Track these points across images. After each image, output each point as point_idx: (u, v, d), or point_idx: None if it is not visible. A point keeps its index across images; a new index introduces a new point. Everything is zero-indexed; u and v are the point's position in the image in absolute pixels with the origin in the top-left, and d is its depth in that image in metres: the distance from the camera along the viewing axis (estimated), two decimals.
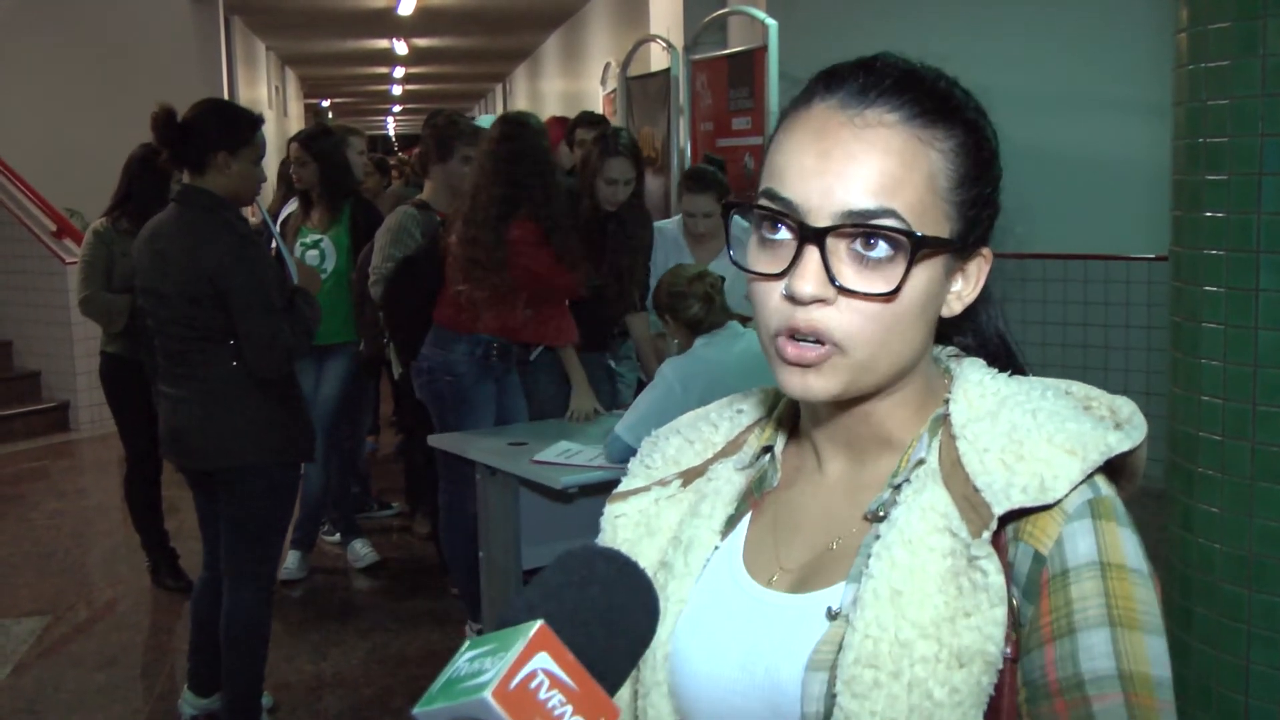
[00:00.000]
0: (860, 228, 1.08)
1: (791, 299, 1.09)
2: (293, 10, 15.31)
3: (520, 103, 23.06)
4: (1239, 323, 3.08)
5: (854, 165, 1.09)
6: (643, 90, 8.61)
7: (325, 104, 31.25)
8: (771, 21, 6.64)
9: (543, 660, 0.86)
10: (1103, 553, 1.08)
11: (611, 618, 0.95)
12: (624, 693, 1.28)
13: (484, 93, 30.18)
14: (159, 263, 3.91)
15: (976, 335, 1.29)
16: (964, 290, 1.19)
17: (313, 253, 5.87)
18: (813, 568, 1.20)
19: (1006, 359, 1.26)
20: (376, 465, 7.87)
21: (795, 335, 1.10)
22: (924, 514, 1.11)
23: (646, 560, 1.29)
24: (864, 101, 1.11)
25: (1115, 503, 1.12)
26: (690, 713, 1.22)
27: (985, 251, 1.19)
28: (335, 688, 4.83)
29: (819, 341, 1.10)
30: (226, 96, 12.22)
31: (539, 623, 0.88)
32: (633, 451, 4.39)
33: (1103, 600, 1.07)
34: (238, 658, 4.13)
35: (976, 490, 1.10)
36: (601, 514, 1.37)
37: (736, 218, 1.22)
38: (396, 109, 36.24)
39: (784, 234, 1.11)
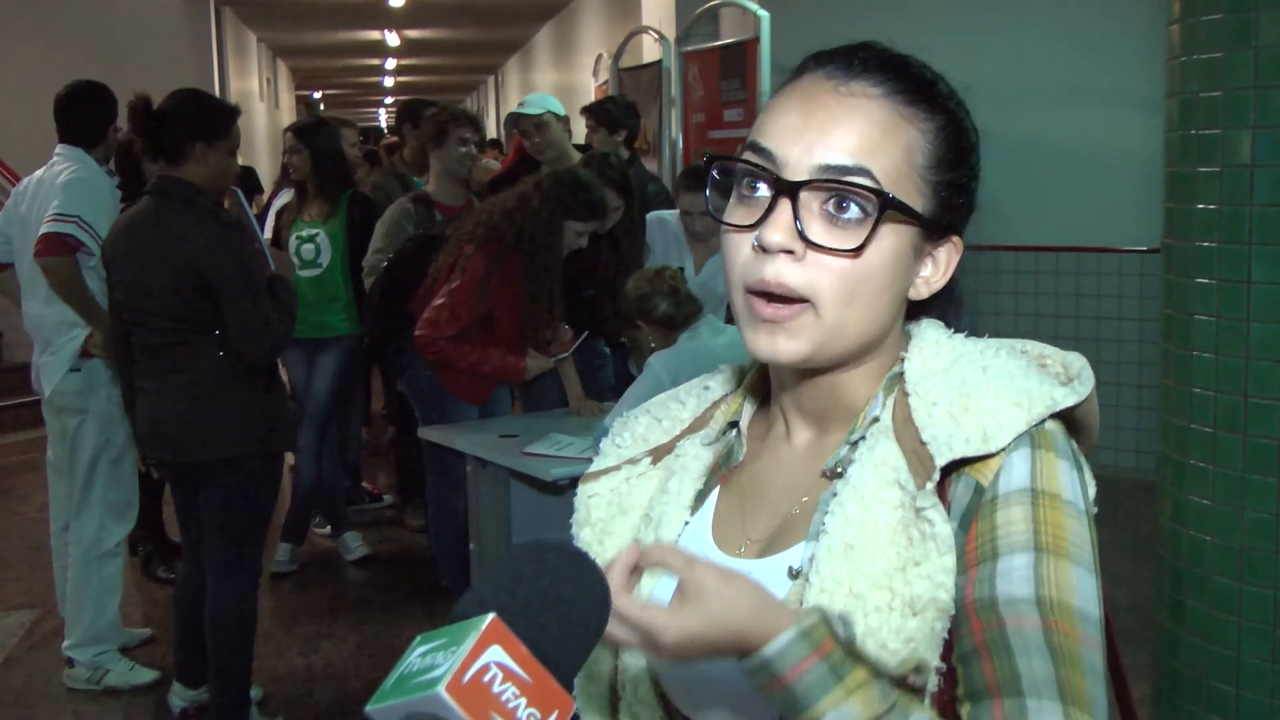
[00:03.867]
0: (833, 183, 1.11)
1: (761, 249, 1.12)
2: (284, 1, 15.26)
3: (512, 95, 23.01)
4: (1231, 315, 3.08)
5: (835, 126, 1.13)
6: (634, 82, 8.60)
7: (317, 96, 31.15)
8: (764, 13, 6.63)
9: (496, 654, 0.86)
10: (1036, 480, 1.10)
11: (563, 609, 0.95)
12: (604, 667, 1.29)
13: (476, 85, 30.13)
14: (139, 256, 3.89)
15: None
16: (932, 276, 1.21)
17: (308, 246, 5.85)
18: (778, 532, 1.22)
19: None
20: (367, 457, 7.85)
21: (765, 294, 1.13)
22: (875, 469, 1.14)
23: (620, 538, 1.31)
24: (850, 74, 1.16)
25: (1057, 435, 1.13)
26: (671, 686, 1.24)
27: (956, 240, 1.21)
28: (326, 680, 4.83)
29: (790, 300, 1.12)
30: (217, 88, 12.18)
31: (491, 616, 0.88)
32: None
33: (1030, 526, 1.08)
34: (225, 651, 4.12)
35: (924, 443, 1.12)
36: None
37: (715, 176, 1.22)
38: (389, 101, 36.14)
39: (761, 190, 1.14)
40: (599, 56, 11.56)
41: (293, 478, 6.00)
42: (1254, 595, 3.07)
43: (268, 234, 6.27)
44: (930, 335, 1.22)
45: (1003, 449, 1.10)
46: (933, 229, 1.17)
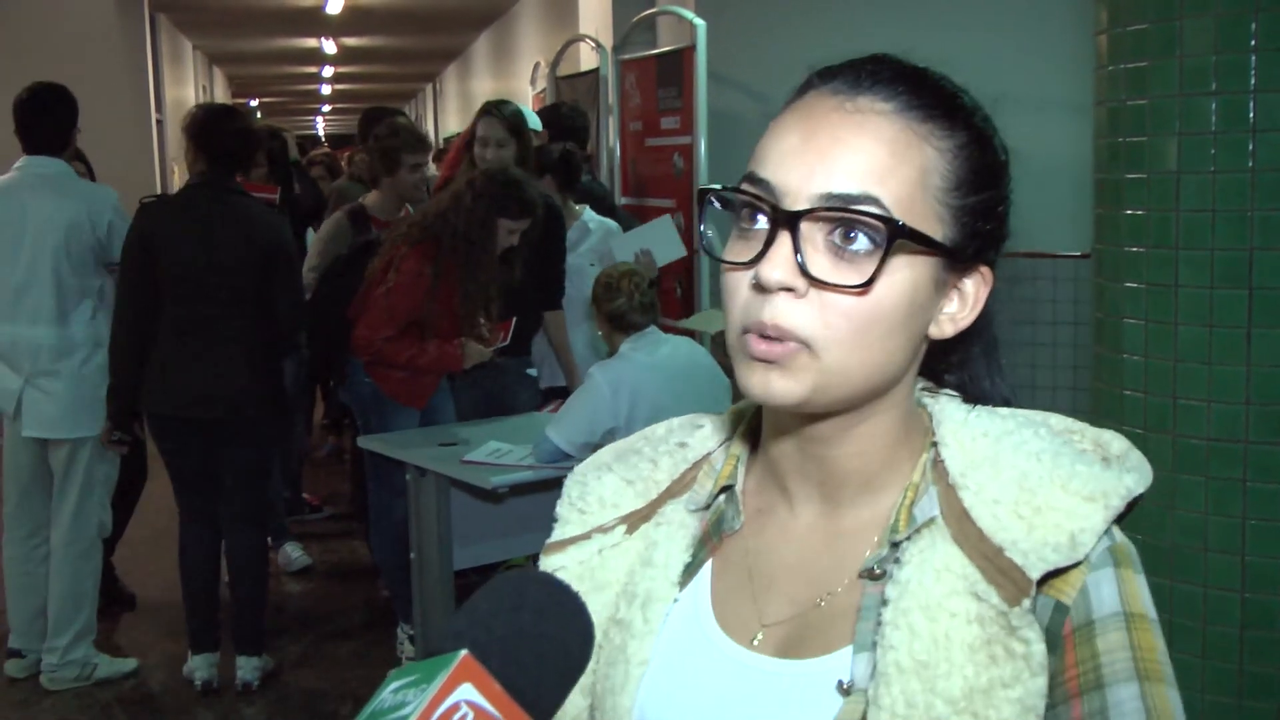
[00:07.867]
0: (836, 212, 1.00)
1: (760, 288, 1.01)
2: (219, 8, 15.13)
3: (450, 103, 22.96)
4: (1159, 318, 3.13)
5: (839, 148, 1.01)
6: (572, 90, 8.60)
7: (254, 103, 30.90)
8: (700, 22, 6.65)
9: (467, 692, 0.83)
10: (1125, 603, 1.03)
11: (542, 645, 0.91)
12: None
13: (414, 92, 30.01)
14: (211, 234, 4.40)
15: (973, 386, 1.18)
16: (958, 312, 1.09)
17: None
18: (801, 628, 1.10)
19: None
20: (307, 468, 7.80)
21: (763, 334, 1.01)
22: (939, 576, 1.02)
23: (595, 616, 1.15)
24: (857, 89, 1.04)
25: (1130, 548, 1.06)
26: None
27: (985, 270, 1.10)
28: (266, 691, 4.79)
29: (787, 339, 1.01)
30: (152, 95, 12.05)
31: (463, 652, 0.85)
32: (562, 453, 4.40)
33: (1129, 654, 1.02)
34: (255, 589, 4.75)
35: (1000, 550, 1.02)
36: (544, 514, 1.27)
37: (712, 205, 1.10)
38: (326, 108, 35.93)
39: (760, 222, 1.03)
40: (536, 65, 11.55)
41: None
42: (1184, 593, 3.13)
43: None
44: (957, 415, 1.11)
45: (1086, 556, 1.02)
46: (956, 259, 1.06)
